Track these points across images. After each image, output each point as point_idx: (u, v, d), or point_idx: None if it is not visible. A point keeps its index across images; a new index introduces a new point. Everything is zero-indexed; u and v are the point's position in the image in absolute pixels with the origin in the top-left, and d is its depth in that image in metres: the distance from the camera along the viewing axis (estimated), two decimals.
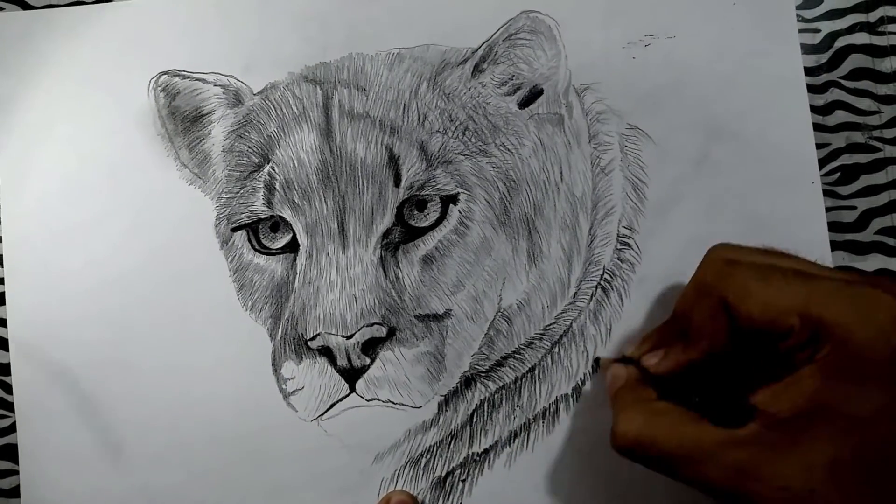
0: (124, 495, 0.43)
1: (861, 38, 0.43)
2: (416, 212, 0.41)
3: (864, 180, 0.42)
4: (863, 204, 0.42)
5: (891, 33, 0.43)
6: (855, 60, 0.43)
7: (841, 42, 0.43)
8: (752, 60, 0.42)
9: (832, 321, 0.28)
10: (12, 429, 0.44)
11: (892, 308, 0.28)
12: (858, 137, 0.42)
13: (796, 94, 0.42)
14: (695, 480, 0.30)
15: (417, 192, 0.41)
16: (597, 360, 0.41)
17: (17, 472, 0.44)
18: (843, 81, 0.43)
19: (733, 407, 0.30)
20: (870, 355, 0.27)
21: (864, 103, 0.43)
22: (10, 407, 0.44)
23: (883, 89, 0.43)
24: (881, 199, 0.42)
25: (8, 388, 0.44)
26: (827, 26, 0.43)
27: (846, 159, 0.42)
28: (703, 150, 0.42)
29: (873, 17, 0.43)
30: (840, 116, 0.42)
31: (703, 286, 0.33)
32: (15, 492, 0.44)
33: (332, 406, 0.41)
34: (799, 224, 0.41)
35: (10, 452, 0.44)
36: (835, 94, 0.42)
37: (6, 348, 0.44)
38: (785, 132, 0.42)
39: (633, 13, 0.43)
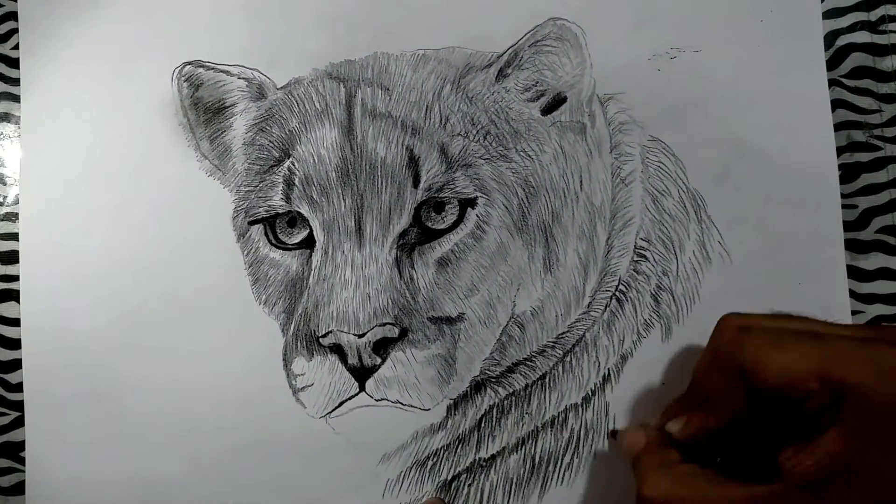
0: (130, 485, 0.43)
1: (862, 36, 0.43)
2: (433, 214, 0.41)
3: (865, 179, 0.42)
4: (864, 202, 0.42)
5: (892, 32, 0.42)
6: (856, 59, 0.43)
7: (842, 41, 0.43)
8: (778, 78, 0.42)
9: (852, 382, 0.28)
10: (12, 426, 0.44)
11: None
12: (859, 136, 0.42)
13: (821, 114, 0.42)
14: None
15: (436, 194, 0.40)
16: (613, 433, 0.40)
17: (17, 471, 0.44)
18: (843, 80, 0.42)
19: (757, 467, 0.30)
20: (891, 415, 0.27)
21: (865, 102, 0.42)
22: (9, 405, 0.44)
23: (884, 88, 0.42)
24: (882, 197, 0.42)
25: (8, 386, 0.44)
26: (828, 25, 0.42)
27: (847, 158, 0.42)
28: (724, 165, 0.42)
29: (874, 15, 0.43)
30: (841, 115, 0.42)
31: (718, 356, 0.33)
32: (16, 489, 0.44)
33: (340, 404, 0.41)
34: (817, 245, 0.41)
35: (11, 450, 0.44)
36: (836, 93, 0.42)
37: (6, 346, 0.45)
38: (807, 151, 0.42)
39: (660, 25, 0.43)
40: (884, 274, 0.42)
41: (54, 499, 0.43)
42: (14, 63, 0.46)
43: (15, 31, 0.46)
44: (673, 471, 0.33)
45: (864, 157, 0.42)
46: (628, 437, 0.36)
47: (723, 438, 0.33)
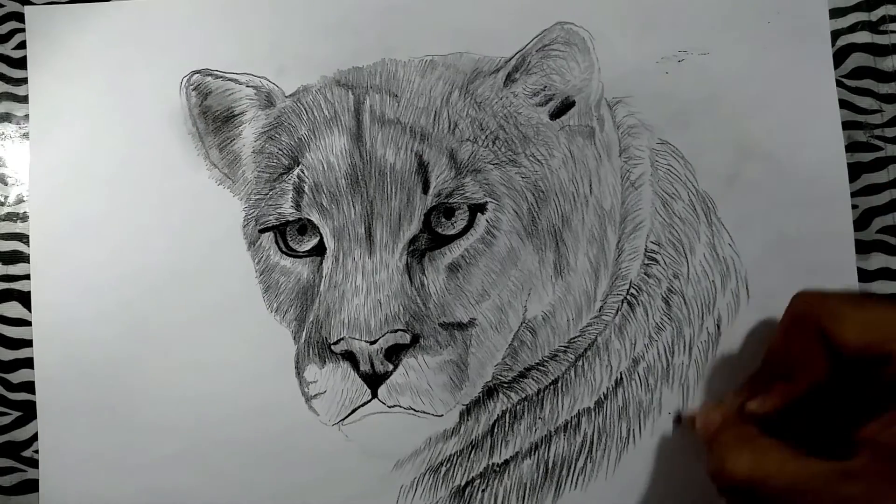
0: (141, 493, 0.43)
1: (863, 36, 0.43)
2: (443, 219, 0.41)
3: (866, 179, 0.42)
4: (864, 203, 0.42)
5: (892, 32, 0.43)
6: (856, 59, 0.43)
7: (843, 41, 0.43)
8: (786, 79, 0.42)
9: None
10: (13, 426, 0.44)
11: None
12: (860, 136, 0.42)
13: (829, 115, 0.42)
14: None
15: (445, 200, 0.40)
16: (678, 418, 0.40)
17: (18, 470, 0.44)
18: (844, 80, 0.43)
19: (836, 441, 0.30)
20: None
21: (866, 102, 0.43)
22: (10, 404, 0.44)
23: (884, 88, 0.43)
24: (883, 197, 0.42)
25: (9, 386, 0.44)
26: (829, 25, 0.43)
27: (848, 158, 0.42)
28: (734, 167, 0.42)
29: (875, 16, 0.43)
30: (842, 115, 0.42)
31: (797, 320, 0.33)
32: (17, 489, 0.44)
33: (353, 411, 0.41)
34: (827, 247, 0.41)
35: (12, 450, 0.44)
36: (837, 93, 0.42)
37: (7, 346, 0.45)
38: (816, 153, 0.42)
39: (667, 28, 0.43)
40: (884, 274, 0.42)
41: (67, 502, 0.43)
42: (16, 63, 0.46)
43: (16, 31, 0.46)
44: (755, 445, 0.32)
45: (865, 157, 0.42)
46: (703, 417, 0.36)
47: (799, 414, 0.33)
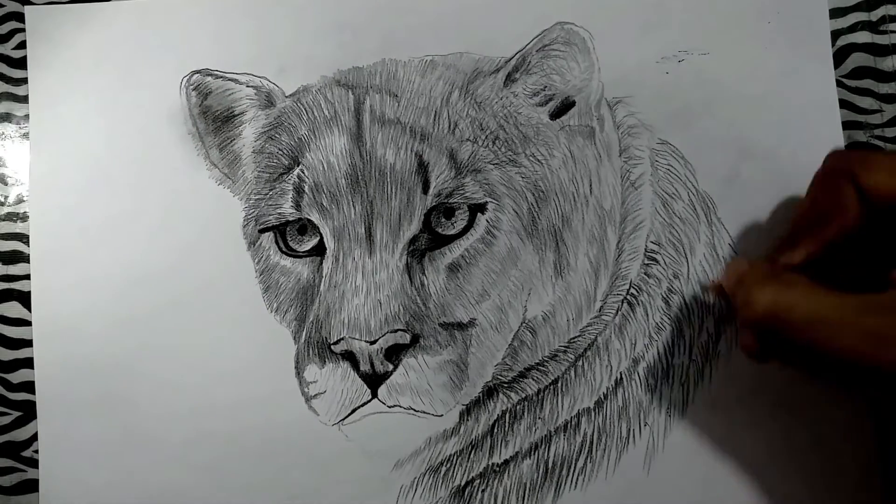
0: (142, 492, 0.43)
1: (863, 36, 0.43)
2: (443, 219, 0.41)
3: None
4: None
5: (892, 32, 0.43)
6: (856, 59, 0.43)
7: (843, 41, 0.43)
8: (786, 80, 0.42)
9: None
10: (13, 426, 0.44)
11: None
12: (860, 136, 0.42)
13: (829, 116, 0.42)
14: (829, 350, 0.28)
15: (445, 200, 0.40)
16: (703, 288, 0.40)
17: (18, 470, 0.44)
18: (844, 80, 0.42)
19: (869, 285, 0.29)
20: None
21: (866, 102, 0.43)
22: (10, 404, 0.44)
23: (884, 88, 0.43)
24: None
25: (9, 386, 0.44)
26: (829, 25, 0.43)
27: None
28: (734, 167, 0.42)
29: (875, 15, 0.43)
30: (842, 115, 0.42)
31: (830, 173, 0.33)
32: (17, 489, 0.44)
33: (353, 411, 0.41)
34: None
35: (12, 450, 0.44)
36: (837, 93, 0.42)
37: (7, 346, 0.45)
38: (817, 154, 0.41)
39: (667, 28, 0.43)
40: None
41: (68, 501, 0.43)
42: (15, 63, 0.46)
43: (16, 31, 0.46)
44: (781, 278, 0.31)
45: None
46: (731, 266, 0.35)
47: (832, 267, 0.32)
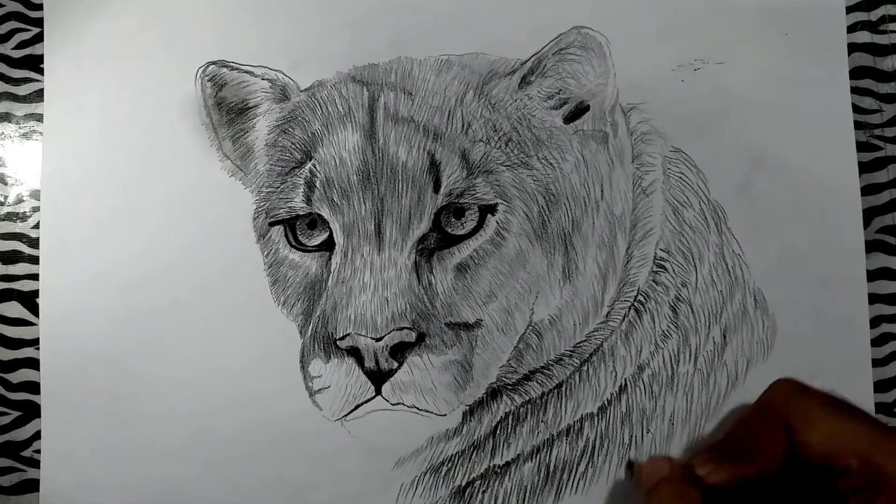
0: (144, 487, 0.43)
1: (863, 36, 0.43)
2: (453, 219, 0.41)
3: (866, 179, 0.42)
4: (864, 202, 0.42)
5: (892, 32, 0.43)
6: (856, 59, 0.43)
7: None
8: (801, 92, 0.42)
9: (892, 473, 0.28)
10: (13, 426, 0.44)
11: None
12: (860, 136, 0.42)
13: (843, 129, 0.42)
14: None
15: (456, 200, 0.40)
16: (630, 464, 0.40)
17: (18, 470, 0.44)
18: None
19: None
20: None
21: (866, 102, 0.43)
22: (10, 404, 0.44)
23: (884, 88, 0.43)
24: (882, 197, 0.42)
25: (9, 386, 0.44)
26: (846, 38, 0.42)
27: None
28: (745, 177, 0.42)
29: (874, 15, 0.43)
30: None
31: (769, 408, 0.33)
32: (17, 489, 0.44)
33: (357, 407, 0.41)
34: (837, 258, 0.41)
35: (11, 450, 0.44)
36: (852, 107, 0.42)
37: (7, 346, 0.45)
38: (829, 166, 0.42)
39: (684, 36, 0.43)
40: (884, 274, 0.42)
41: (68, 499, 0.43)
42: (16, 63, 0.46)
43: (16, 30, 0.46)
44: (684, 497, 0.32)
45: (865, 157, 0.42)
46: (650, 466, 0.36)
47: (745, 495, 0.33)
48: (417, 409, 0.40)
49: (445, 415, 0.41)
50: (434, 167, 0.41)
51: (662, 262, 0.42)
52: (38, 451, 0.44)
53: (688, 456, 0.36)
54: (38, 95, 0.46)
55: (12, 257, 0.45)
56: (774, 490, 0.32)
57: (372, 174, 0.41)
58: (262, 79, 0.43)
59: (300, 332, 0.42)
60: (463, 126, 0.41)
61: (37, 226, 0.45)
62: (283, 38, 0.44)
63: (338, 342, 0.40)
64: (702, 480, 0.33)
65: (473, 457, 0.42)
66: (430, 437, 0.42)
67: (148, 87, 0.44)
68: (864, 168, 0.42)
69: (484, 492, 0.41)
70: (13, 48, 0.46)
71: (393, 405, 0.40)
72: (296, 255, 0.42)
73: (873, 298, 0.41)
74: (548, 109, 0.42)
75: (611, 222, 0.41)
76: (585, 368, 0.41)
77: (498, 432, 0.42)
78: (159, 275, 0.43)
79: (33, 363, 0.44)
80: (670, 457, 0.36)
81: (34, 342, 0.44)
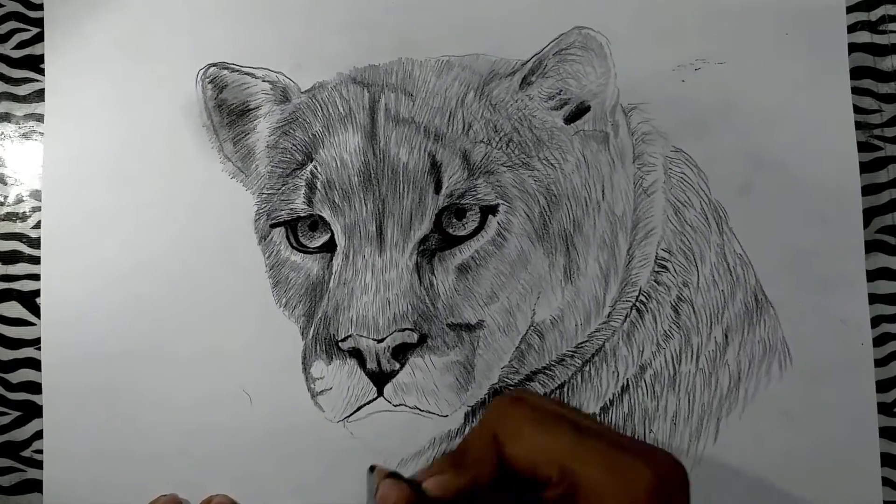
0: (144, 484, 0.43)
1: (863, 36, 0.43)
2: (454, 220, 0.41)
3: (866, 179, 0.42)
4: (864, 202, 0.42)
5: (892, 32, 0.43)
6: (856, 59, 0.43)
7: None
8: (802, 92, 0.42)
9: (586, 482, 0.29)
10: (12, 426, 0.44)
11: (649, 482, 0.29)
12: (860, 136, 0.42)
13: (844, 129, 0.42)
14: None
15: (457, 201, 0.40)
16: (371, 468, 0.39)
17: (17, 470, 0.44)
18: None
19: None
20: None
21: (866, 102, 0.43)
22: (10, 404, 0.44)
23: (884, 88, 0.43)
24: (882, 197, 0.42)
25: (9, 386, 0.44)
26: (847, 38, 0.42)
27: None
28: (747, 178, 0.42)
29: (874, 15, 0.43)
30: None
31: (484, 422, 0.34)
32: (17, 489, 0.44)
33: (359, 409, 0.41)
34: (838, 259, 0.41)
35: (11, 450, 0.44)
36: (853, 107, 0.42)
37: (7, 346, 0.45)
38: (830, 167, 0.42)
39: (685, 36, 0.43)
40: (884, 274, 0.42)
41: (72, 498, 0.43)
42: (16, 63, 0.46)
43: (16, 30, 0.46)
44: None
45: (865, 156, 0.42)
46: (382, 490, 0.35)
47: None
48: (419, 410, 0.40)
49: (447, 416, 0.41)
50: (435, 168, 0.41)
51: (664, 262, 0.42)
52: (39, 451, 0.44)
53: (419, 472, 0.36)
54: (38, 95, 0.46)
55: (12, 257, 0.45)
56: (489, 501, 0.33)
57: (373, 175, 0.41)
58: (263, 80, 0.43)
59: (302, 334, 0.42)
60: (464, 127, 0.41)
61: (37, 226, 0.45)
62: (283, 40, 0.44)
63: (340, 344, 0.40)
64: (425, 494, 0.34)
65: None
66: (432, 438, 0.42)
67: (148, 88, 0.44)
68: (864, 168, 0.42)
69: None
70: (13, 48, 0.46)
71: (395, 406, 0.40)
72: (297, 257, 0.42)
73: (873, 298, 0.41)
74: (549, 110, 0.42)
75: (612, 222, 0.42)
76: (587, 369, 0.41)
77: None
78: (161, 277, 0.43)
79: (33, 363, 0.44)
80: (402, 480, 0.35)
81: (34, 342, 0.44)
